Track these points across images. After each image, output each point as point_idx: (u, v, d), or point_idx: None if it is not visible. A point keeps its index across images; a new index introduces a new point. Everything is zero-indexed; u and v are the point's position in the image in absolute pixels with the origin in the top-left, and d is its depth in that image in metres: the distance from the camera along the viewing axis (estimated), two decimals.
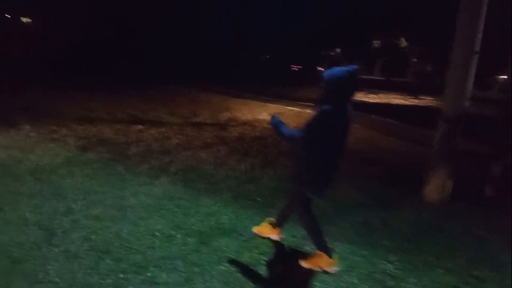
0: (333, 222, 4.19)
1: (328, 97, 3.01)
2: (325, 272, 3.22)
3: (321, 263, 3.20)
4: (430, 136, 5.36)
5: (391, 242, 3.87)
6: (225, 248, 3.55)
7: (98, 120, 8.56)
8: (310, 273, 3.23)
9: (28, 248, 3.29)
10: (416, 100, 18.70)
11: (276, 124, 3.26)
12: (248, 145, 7.38)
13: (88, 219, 3.90)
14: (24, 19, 31.26)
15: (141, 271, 3.10)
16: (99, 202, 4.32)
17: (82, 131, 7.47)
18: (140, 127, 8.24)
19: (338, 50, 38.00)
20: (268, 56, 34.47)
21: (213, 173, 5.62)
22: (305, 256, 3.42)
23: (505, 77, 24.91)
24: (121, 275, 3.02)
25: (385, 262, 3.49)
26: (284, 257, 3.50)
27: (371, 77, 33.06)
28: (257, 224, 4.01)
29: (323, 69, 28.26)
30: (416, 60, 36.04)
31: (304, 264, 3.28)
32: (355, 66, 3.02)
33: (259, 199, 4.79)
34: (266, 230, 3.66)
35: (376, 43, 35.73)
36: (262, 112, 11.47)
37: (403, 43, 33.61)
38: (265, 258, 3.44)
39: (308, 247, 3.66)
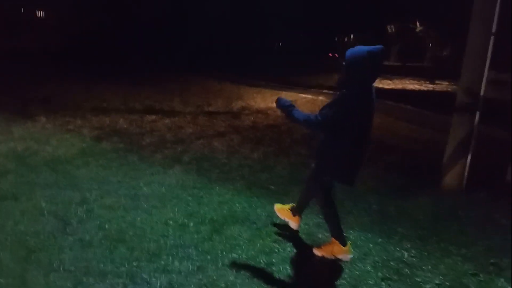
0: (348, 210, 4.13)
1: (349, 80, 2.88)
2: (339, 260, 3.19)
3: (335, 251, 3.17)
4: (447, 122, 5.23)
5: (407, 230, 3.81)
6: (238, 236, 3.53)
7: (112, 111, 8.62)
8: (323, 261, 3.19)
9: (43, 238, 3.33)
10: (432, 85, 18.32)
11: (285, 106, 3.08)
12: (261, 134, 7.34)
13: (102, 208, 3.92)
14: (38, 13, 31.54)
15: (154, 259, 3.11)
16: (113, 191, 4.35)
17: (96, 122, 7.53)
18: (154, 117, 8.26)
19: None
20: (281, 44, 34.13)
21: (226, 162, 5.60)
22: (319, 244, 3.39)
23: None
24: (135, 263, 3.04)
25: (400, 250, 3.43)
26: (297, 245, 3.47)
27: (386, 63, 32.49)
28: (270, 213, 4.00)
29: (337, 56, 27.89)
30: (431, 44, 35.24)
31: (317, 252, 3.26)
32: (379, 46, 2.84)
33: (272, 187, 4.76)
34: (286, 213, 3.59)
35: (390, 28, 35.01)
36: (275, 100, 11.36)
37: (418, 27, 32.86)
38: (278, 246, 3.41)
39: (321, 234, 3.63)
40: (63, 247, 3.20)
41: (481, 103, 4.77)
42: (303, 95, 13.09)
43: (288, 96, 12.36)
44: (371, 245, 3.49)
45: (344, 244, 3.17)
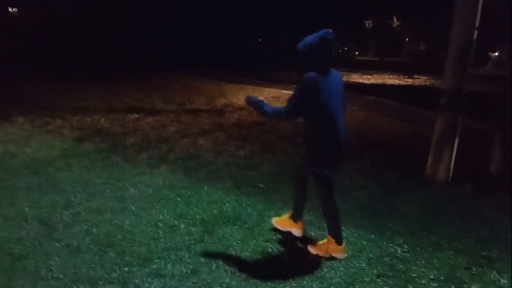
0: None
1: (306, 66, 2.92)
2: (333, 258, 3.17)
3: (330, 249, 3.15)
4: (428, 116, 5.29)
5: (398, 225, 3.82)
6: (230, 237, 3.48)
7: (92, 110, 8.41)
8: (318, 259, 3.17)
9: (28, 244, 3.21)
10: (411, 80, 18.58)
11: (255, 103, 3.20)
12: (246, 131, 7.28)
13: (88, 212, 3.81)
14: (11, 10, 30.50)
15: (146, 263, 3.03)
16: (98, 194, 4.23)
17: (77, 122, 7.33)
18: (136, 116, 8.10)
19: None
20: (260, 40, 33.95)
21: (212, 161, 5.53)
22: (313, 242, 3.37)
23: (497, 54, 24.69)
24: (126, 269, 2.95)
25: (393, 246, 3.44)
26: (291, 244, 3.43)
27: (365, 58, 32.77)
28: (261, 211, 3.96)
29: None
30: (408, 39, 35.72)
31: (312, 250, 3.23)
32: (327, 30, 2.93)
33: (261, 185, 4.71)
34: (287, 223, 3.54)
35: (368, 23, 35.30)
36: (258, 97, 11.28)
37: (395, 22, 33.26)
38: (271, 246, 3.38)
39: (314, 232, 3.61)
40: (49, 254, 3.09)
41: (465, 96, 4.83)
42: (286, 91, 13.05)
43: (270, 92, 12.35)
44: (364, 242, 3.48)
45: (340, 243, 3.15)
